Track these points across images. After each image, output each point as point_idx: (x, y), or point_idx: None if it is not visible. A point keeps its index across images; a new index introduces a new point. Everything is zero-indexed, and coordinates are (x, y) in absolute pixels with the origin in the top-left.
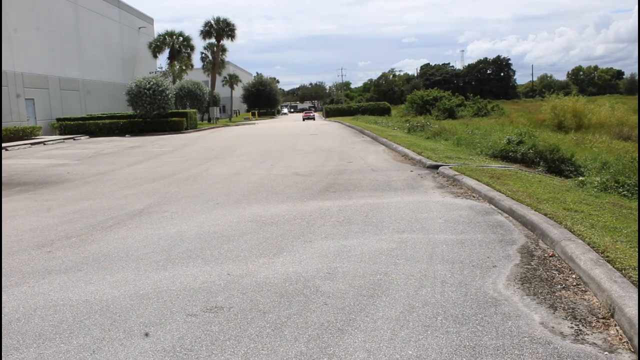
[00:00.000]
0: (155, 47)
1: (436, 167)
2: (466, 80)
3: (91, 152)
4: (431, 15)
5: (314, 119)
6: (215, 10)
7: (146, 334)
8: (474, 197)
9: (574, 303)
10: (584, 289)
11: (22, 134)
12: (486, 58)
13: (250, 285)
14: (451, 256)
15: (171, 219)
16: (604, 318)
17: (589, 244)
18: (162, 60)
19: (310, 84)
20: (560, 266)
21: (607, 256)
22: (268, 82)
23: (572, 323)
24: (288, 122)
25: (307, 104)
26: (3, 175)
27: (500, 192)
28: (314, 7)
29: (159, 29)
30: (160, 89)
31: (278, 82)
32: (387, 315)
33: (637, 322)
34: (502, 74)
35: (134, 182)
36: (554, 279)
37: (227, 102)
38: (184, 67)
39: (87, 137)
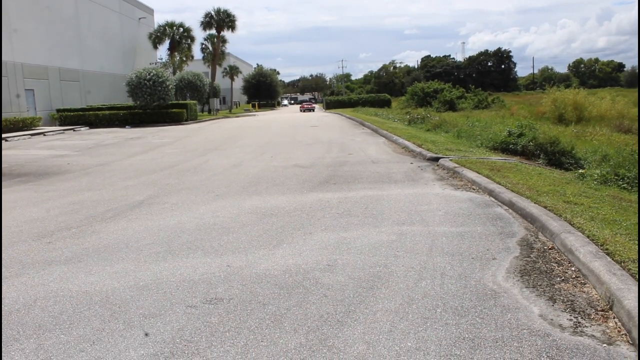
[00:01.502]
0: (156, 38)
1: (436, 159)
2: (467, 73)
3: (91, 143)
4: (433, 7)
5: (313, 110)
6: (216, 0)
7: (146, 330)
8: (474, 189)
9: (573, 295)
10: (583, 281)
11: (22, 125)
12: (487, 50)
13: (249, 276)
14: (451, 248)
15: (171, 211)
16: (602, 310)
17: (588, 237)
18: (163, 51)
19: (311, 75)
20: (559, 259)
21: (607, 249)
22: (268, 73)
23: (571, 315)
24: (288, 114)
25: (307, 96)
26: (3, 166)
27: (500, 184)
28: None
29: (159, 19)
30: (161, 80)
31: (278, 73)
32: (387, 307)
33: (636, 314)
34: (502, 66)
35: (134, 173)
36: (553, 271)
37: (227, 93)
38: (184, 58)
39: (87, 128)
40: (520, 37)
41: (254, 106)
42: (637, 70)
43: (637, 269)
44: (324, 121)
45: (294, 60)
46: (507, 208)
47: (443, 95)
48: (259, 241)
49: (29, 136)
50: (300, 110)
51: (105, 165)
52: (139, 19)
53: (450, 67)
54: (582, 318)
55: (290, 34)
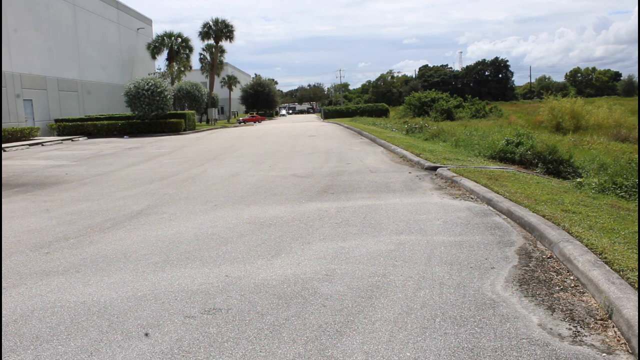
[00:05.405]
0: (154, 48)
1: (434, 168)
2: (464, 82)
3: (89, 153)
4: (430, 17)
5: (254, 123)
6: (214, 11)
7: (145, 335)
8: (472, 198)
9: (572, 304)
10: (582, 290)
11: (21, 135)
12: (484, 59)
13: (248, 286)
14: (449, 258)
15: (169, 221)
16: (602, 319)
17: (587, 246)
18: (161, 61)
19: (309, 85)
20: (558, 267)
21: (605, 257)
22: (266, 83)
23: (570, 324)
24: (286, 124)
25: (305, 105)
26: (2, 176)
27: (498, 193)
28: (313, 8)
29: (158, 29)
30: (159, 90)
31: (276, 83)
32: (385, 317)
33: (636, 323)
34: (500, 76)
35: (132, 183)
36: (552, 280)
37: (225, 103)
38: (182, 68)
39: (85, 138)
40: (519, 45)
41: (252, 116)
42: (635, 79)
43: (637, 278)
44: (322, 131)
45: (292, 70)
46: (505, 217)
47: (440, 105)
48: (257, 251)
49: (27, 146)
50: (240, 122)
51: (104, 175)
52: (138, 29)
53: (447, 77)
54: (581, 327)
55: (289, 43)
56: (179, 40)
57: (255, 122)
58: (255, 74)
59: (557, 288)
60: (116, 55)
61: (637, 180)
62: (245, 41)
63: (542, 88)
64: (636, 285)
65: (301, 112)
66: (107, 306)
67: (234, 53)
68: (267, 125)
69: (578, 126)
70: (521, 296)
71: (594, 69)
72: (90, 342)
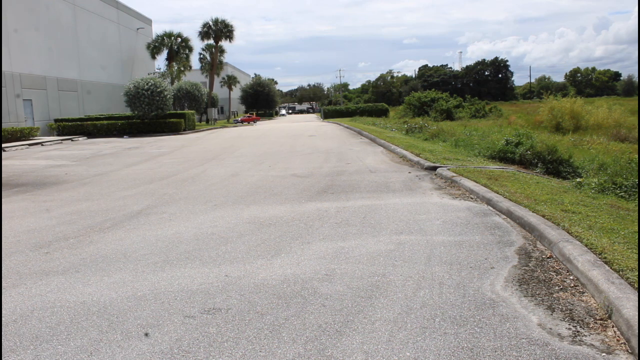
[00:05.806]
0: (154, 48)
1: (434, 168)
2: (464, 82)
3: (89, 153)
4: (430, 17)
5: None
6: (214, 11)
7: (145, 335)
8: (472, 198)
9: (572, 304)
10: (581, 290)
11: (20, 135)
12: (484, 59)
13: (248, 286)
14: (449, 258)
15: (169, 221)
16: (601, 319)
17: (586, 245)
18: (161, 61)
19: (309, 85)
20: (558, 267)
21: (605, 257)
22: (266, 83)
23: (569, 324)
24: (286, 124)
25: (305, 105)
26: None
27: (498, 193)
28: (313, 8)
29: (158, 29)
30: (159, 90)
31: (276, 83)
32: (385, 317)
33: (635, 323)
34: (500, 76)
35: (132, 183)
36: (551, 280)
37: (225, 103)
38: (182, 68)
39: (85, 138)
40: (519, 45)
41: (250, 115)
42: (635, 79)
43: (637, 278)
44: (322, 131)
45: (292, 69)
46: (505, 217)
47: (440, 105)
48: (257, 251)
49: (27, 146)
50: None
51: (103, 175)
52: (137, 29)
53: (447, 77)
54: (580, 327)
55: (289, 43)
56: (179, 40)
57: (251, 122)
58: (255, 74)
59: (557, 288)
60: (116, 55)
61: (637, 180)
62: (245, 41)
63: (542, 88)
64: (636, 285)
65: (301, 112)
66: (107, 306)
67: (233, 53)
68: (266, 125)
69: (578, 126)
70: (521, 296)
71: (593, 69)
72: (90, 342)
